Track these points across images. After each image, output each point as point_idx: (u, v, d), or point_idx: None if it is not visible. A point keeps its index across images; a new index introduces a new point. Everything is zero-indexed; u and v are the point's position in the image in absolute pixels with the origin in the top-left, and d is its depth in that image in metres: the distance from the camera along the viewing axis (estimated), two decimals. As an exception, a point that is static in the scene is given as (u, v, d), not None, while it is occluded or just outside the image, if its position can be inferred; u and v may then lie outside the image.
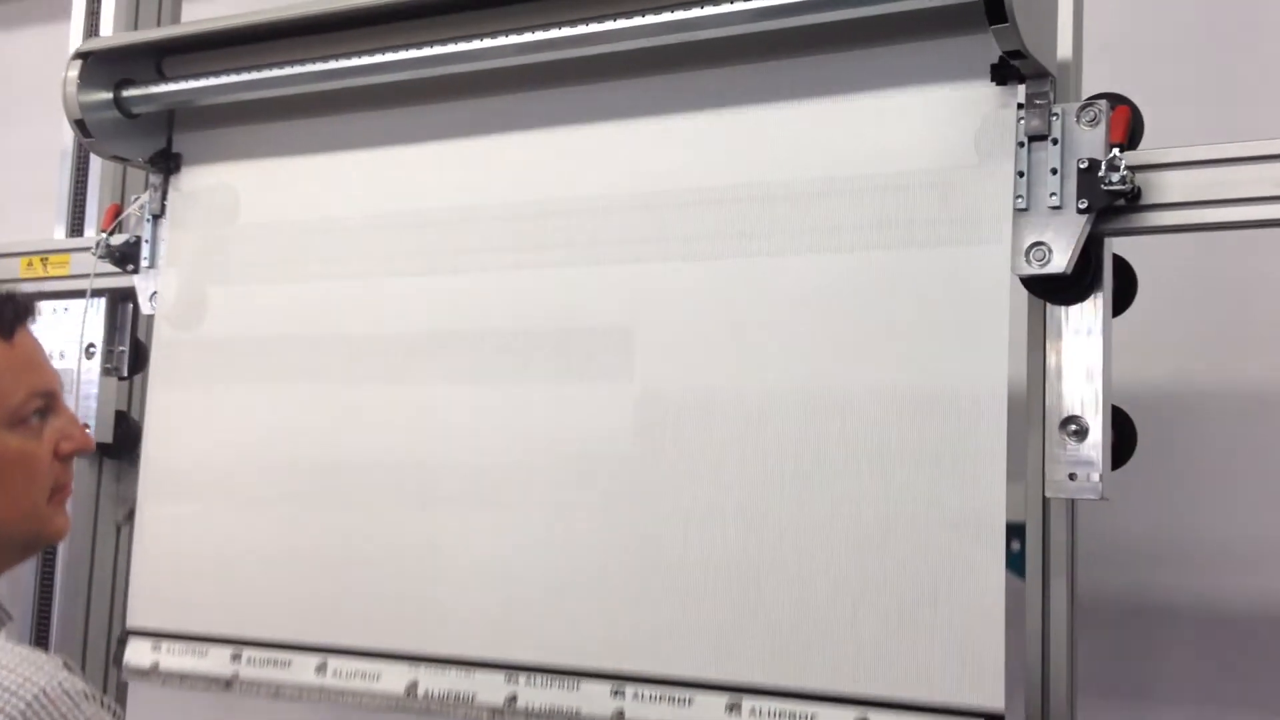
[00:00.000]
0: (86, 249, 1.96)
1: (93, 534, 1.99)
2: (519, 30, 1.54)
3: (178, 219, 1.87)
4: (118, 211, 1.92)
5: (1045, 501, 1.36)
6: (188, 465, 1.82)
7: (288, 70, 1.70)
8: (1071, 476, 1.33)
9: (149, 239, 1.88)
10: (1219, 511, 1.70)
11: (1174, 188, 1.30)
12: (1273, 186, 1.26)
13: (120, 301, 2.00)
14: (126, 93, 1.81)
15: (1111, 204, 1.29)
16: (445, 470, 1.62)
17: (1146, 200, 1.31)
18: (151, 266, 1.88)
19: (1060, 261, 1.31)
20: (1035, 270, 1.32)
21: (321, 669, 1.65)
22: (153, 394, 1.88)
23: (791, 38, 1.45)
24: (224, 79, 1.75)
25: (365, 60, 1.64)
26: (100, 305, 1.99)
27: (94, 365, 1.98)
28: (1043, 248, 1.32)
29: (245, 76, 1.73)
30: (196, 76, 1.78)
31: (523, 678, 1.52)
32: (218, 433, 1.82)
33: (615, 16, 1.47)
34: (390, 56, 1.62)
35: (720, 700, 1.41)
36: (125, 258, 1.89)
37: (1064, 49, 1.35)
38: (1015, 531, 1.34)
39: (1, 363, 1.19)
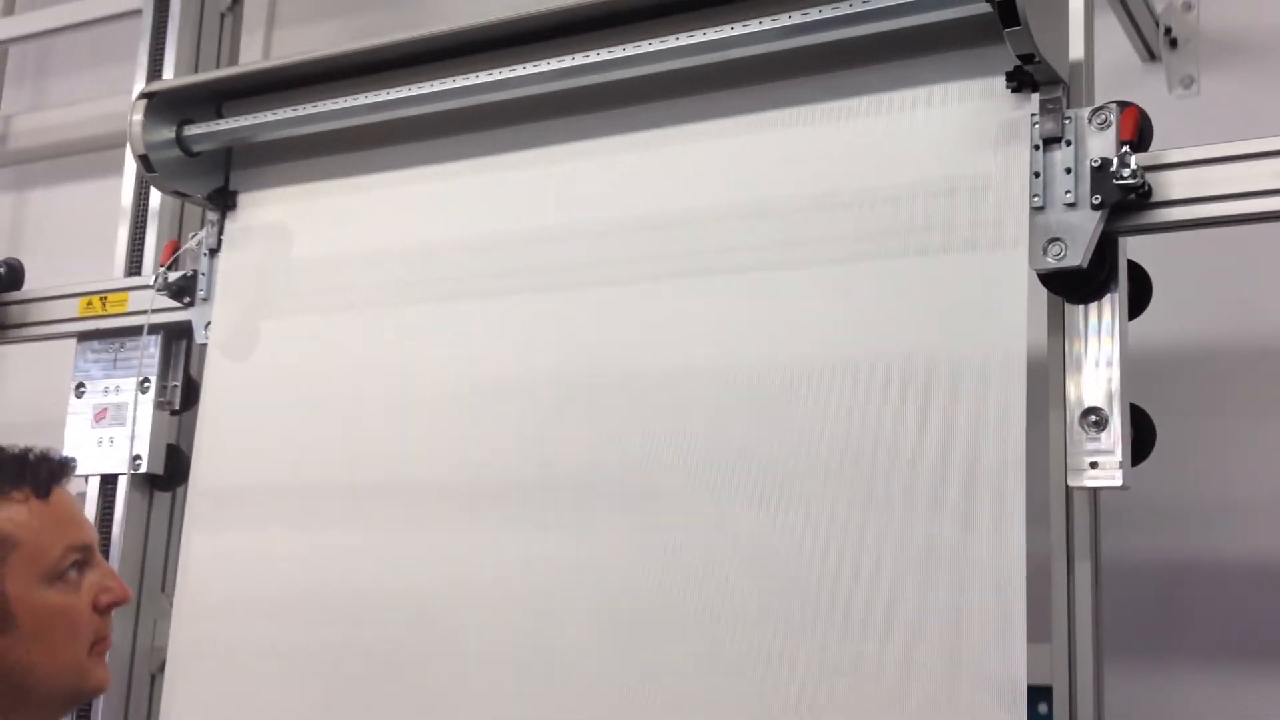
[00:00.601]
0: (144, 287, 2.08)
1: (142, 553, 2.08)
2: (560, 55, 1.66)
3: (233, 254, 1.99)
4: (176, 247, 2.04)
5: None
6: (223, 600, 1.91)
7: (339, 104, 1.83)
8: (1094, 465, 1.40)
9: (205, 272, 2.00)
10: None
11: (1181, 185, 1.39)
12: (1273, 180, 1.35)
13: (174, 339, 2.12)
14: (188, 131, 1.94)
15: (1124, 199, 1.38)
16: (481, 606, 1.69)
17: (1157, 198, 1.40)
18: (207, 299, 2.00)
19: (1076, 255, 1.39)
20: (1053, 264, 1.40)
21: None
22: (202, 424, 1.99)
23: (821, 55, 1.57)
24: (278, 114, 1.88)
25: (410, 92, 1.77)
26: (156, 342, 2.10)
27: (148, 399, 2.09)
28: (1059, 243, 1.40)
29: (298, 111, 1.86)
30: (253, 113, 1.91)
31: None
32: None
33: (652, 39, 1.59)
34: (434, 87, 1.75)
35: None
36: (182, 291, 2.01)
37: (1076, 51, 1.45)
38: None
39: (39, 520, 1.25)
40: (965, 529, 1.39)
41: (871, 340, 1.50)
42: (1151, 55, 1.82)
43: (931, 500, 1.42)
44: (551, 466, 1.66)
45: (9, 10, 2.89)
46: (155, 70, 2.20)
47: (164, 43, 2.23)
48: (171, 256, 2.02)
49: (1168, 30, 1.79)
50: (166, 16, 2.24)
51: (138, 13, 2.29)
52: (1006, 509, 1.37)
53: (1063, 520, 1.43)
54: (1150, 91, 1.75)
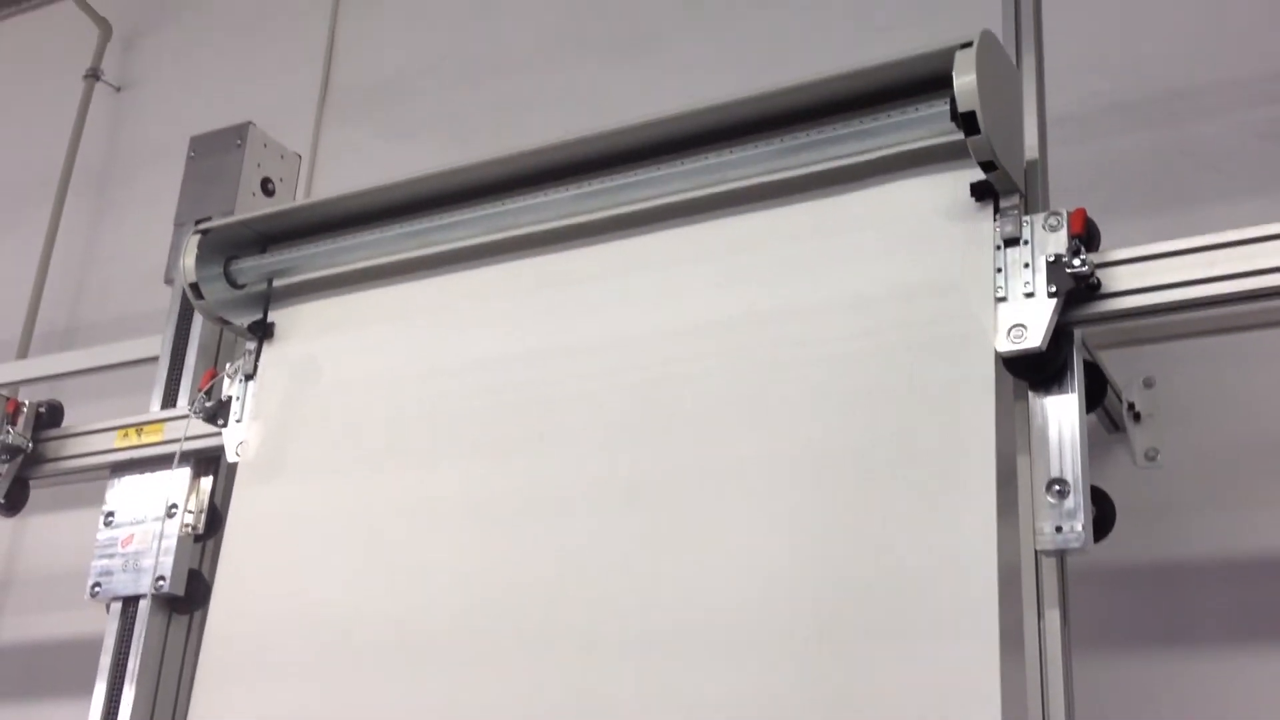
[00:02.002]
0: (178, 417, 2.32)
1: (157, 674, 2.24)
2: (576, 185, 1.95)
3: (268, 380, 2.24)
4: (213, 375, 2.29)
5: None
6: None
7: (374, 235, 2.12)
8: (1058, 529, 1.60)
9: (240, 397, 2.24)
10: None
11: (1127, 278, 1.65)
12: (1206, 268, 1.60)
13: (203, 468, 2.34)
14: (234, 265, 2.23)
15: (1076, 286, 1.63)
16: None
17: (1105, 290, 1.65)
18: (240, 421, 2.23)
19: (1036, 338, 1.63)
20: (1015, 346, 1.64)
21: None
22: (226, 548, 2.18)
23: (812, 180, 1.85)
24: (317, 248, 2.17)
25: (443, 221, 2.06)
26: (185, 471, 2.32)
27: (174, 524, 2.29)
28: (1020, 328, 1.64)
29: (334, 245, 2.16)
30: (293, 249, 2.20)
31: None
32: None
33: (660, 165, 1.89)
34: (464, 215, 2.04)
35: None
36: (216, 415, 2.24)
37: (1030, 152, 1.74)
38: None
39: None
40: (936, 641, 1.56)
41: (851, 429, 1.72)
42: (1116, 427, 2.03)
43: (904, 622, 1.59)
44: (576, 602, 1.81)
45: (24, 352, 3.20)
46: (170, 401, 2.44)
47: (178, 386, 2.45)
48: (209, 383, 2.26)
49: (1130, 405, 2.01)
50: (182, 365, 2.46)
51: (154, 359, 2.51)
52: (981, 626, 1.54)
53: (1033, 584, 1.62)
54: (1115, 462, 2.01)
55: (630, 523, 1.81)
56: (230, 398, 2.25)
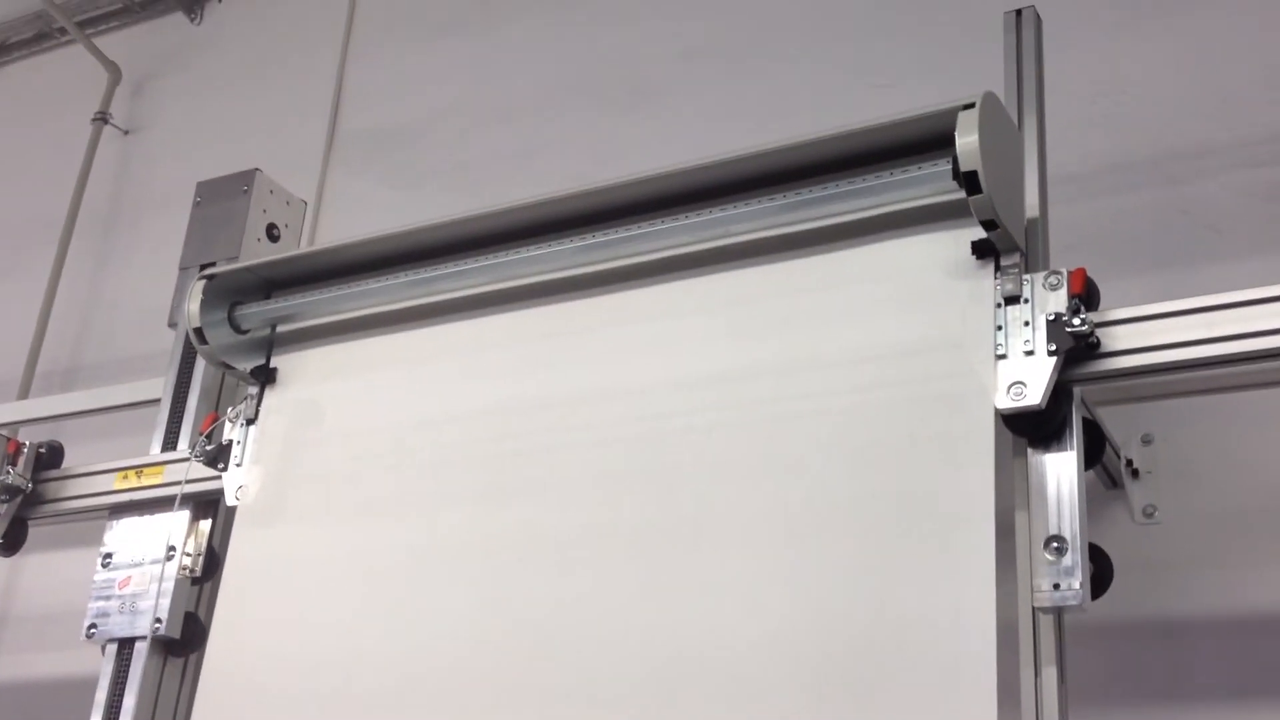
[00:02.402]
0: (179, 460, 2.33)
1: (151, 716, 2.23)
2: (579, 237, 1.97)
3: (269, 425, 2.24)
4: (215, 419, 2.29)
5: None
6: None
7: (376, 284, 2.14)
8: (1055, 586, 1.60)
9: (241, 441, 2.24)
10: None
11: (1126, 337, 1.66)
12: (1205, 329, 1.61)
13: (201, 511, 2.33)
14: (238, 311, 2.24)
15: (1075, 345, 1.64)
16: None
17: (1105, 349, 1.66)
18: (240, 465, 2.23)
19: (1035, 396, 1.64)
20: (1014, 404, 1.64)
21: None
22: (224, 592, 2.18)
23: (819, 235, 1.87)
24: (320, 295, 2.19)
25: (443, 271, 2.07)
26: (184, 514, 2.32)
27: (172, 567, 2.29)
28: (1020, 386, 1.65)
29: (338, 291, 2.17)
30: (296, 295, 2.21)
31: None
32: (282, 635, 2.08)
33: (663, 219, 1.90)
34: (469, 265, 2.05)
35: None
36: (216, 459, 2.24)
37: (1031, 210, 1.76)
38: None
39: None
40: (935, 694, 1.56)
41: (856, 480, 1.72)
42: (1114, 483, 2.04)
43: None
44: (574, 651, 1.81)
45: (25, 392, 3.22)
46: (171, 443, 2.44)
47: (179, 428, 2.45)
48: (210, 426, 2.26)
49: (1129, 462, 2.03)
50: (184, 409, 2.46)
51: (156, 401, 2.51)
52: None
53: (1030, 640, 1.62)
54: (1113, 518, 2.03)
55: (630, 573, 1.81)
56: (231, 442, 2.25)
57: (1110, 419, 1.91)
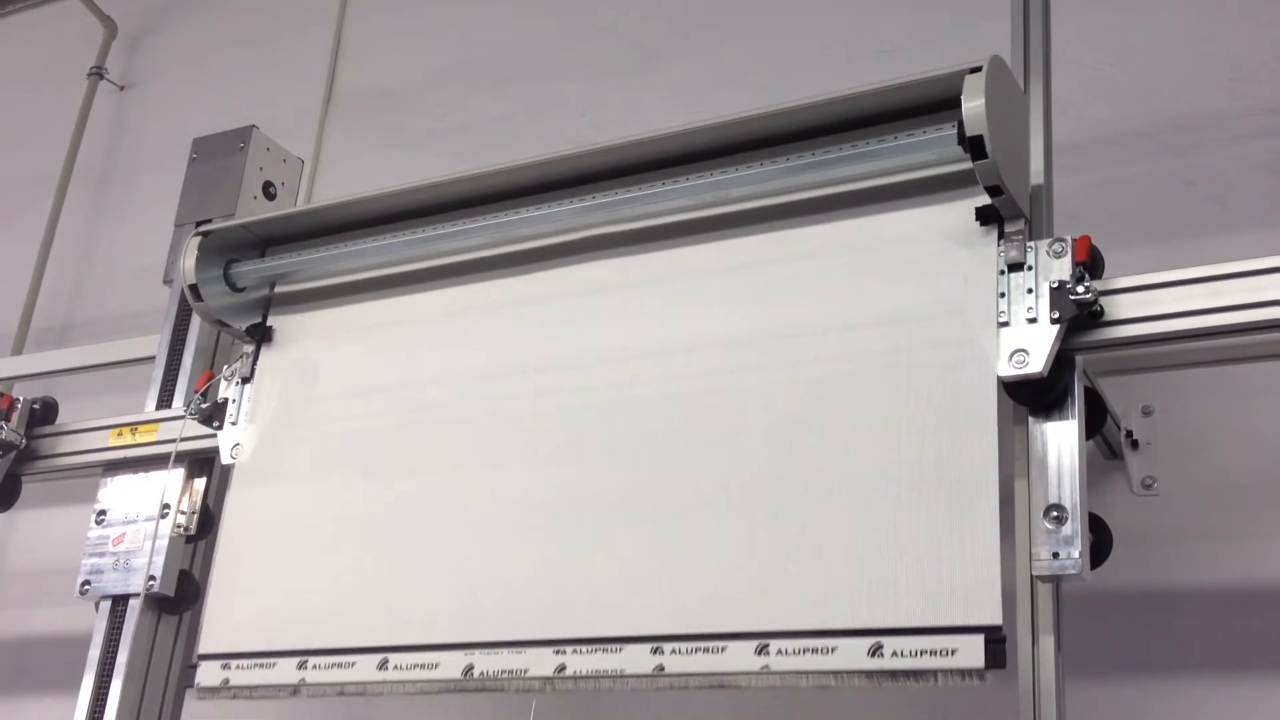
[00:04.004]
0: (174, 418, 2.31)
1: (145, 672, 2.22)
2: (580, 198, 1.94)
3: (265, 383, 2.22)
4: (210, 377, 2.27)
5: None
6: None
7: (372, 243, 2.11)
8: (1054, 555, 1.59)
9: (236, 399, 2.22)
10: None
11: (1130, 306, 1.64)
12: (1210, 299, 1.59)
13: (196, 469, 2.32)
14: (234, 269, 2.21)
15: (1079, 313, 1.62)
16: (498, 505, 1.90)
17: (1108, 318, 1.64)
18: (235, 424, 2.21)
19: (1037, 364, 1.62)
20: (1016, 371, 1.62)
21: (383, 665, 1.86)
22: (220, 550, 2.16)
23: (825, 202, 1.85)
24: (315, 254, 2.16)
25: (441, 230, 2.05)
26: (179, 472, 2.30)
27: (167, 524, 2.27)
28: (1022, 353, 1.63)
29: (332, 250, 2.15)
30: (293, 253, 2.19)
31: (569, 649, 1.74)
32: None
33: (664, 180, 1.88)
34: (465, 225, 2.03)
35: (750, 646, 1.63)
36: (211, 417, 2.22)
37: (1036, 177, 1.74)
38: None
39: None
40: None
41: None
42: (1114, 454, 2.03)
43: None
44: (569, 603, 1.80)
45: (19, 348, 3.19)
46: (166, 401, 2.42)
47: (174, 386, 2.44)
48: (206, 384, 2.24)
49: (1129, 433, 2.02)
50: (179, 366, 2.44)
51: (151, 358, 2.49)
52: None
53: (1028, 609, 1.61)
54: (1112, 489, 2.02)
55: (625, 535, 1.80)
56: (226, 400, 2.23)
57: (1111, 390, 1.90)
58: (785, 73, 2.61)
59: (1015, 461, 1.66)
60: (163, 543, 2.25)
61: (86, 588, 2.28)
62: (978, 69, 1.63)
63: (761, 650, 1.64)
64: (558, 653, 1.76)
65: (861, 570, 1.63)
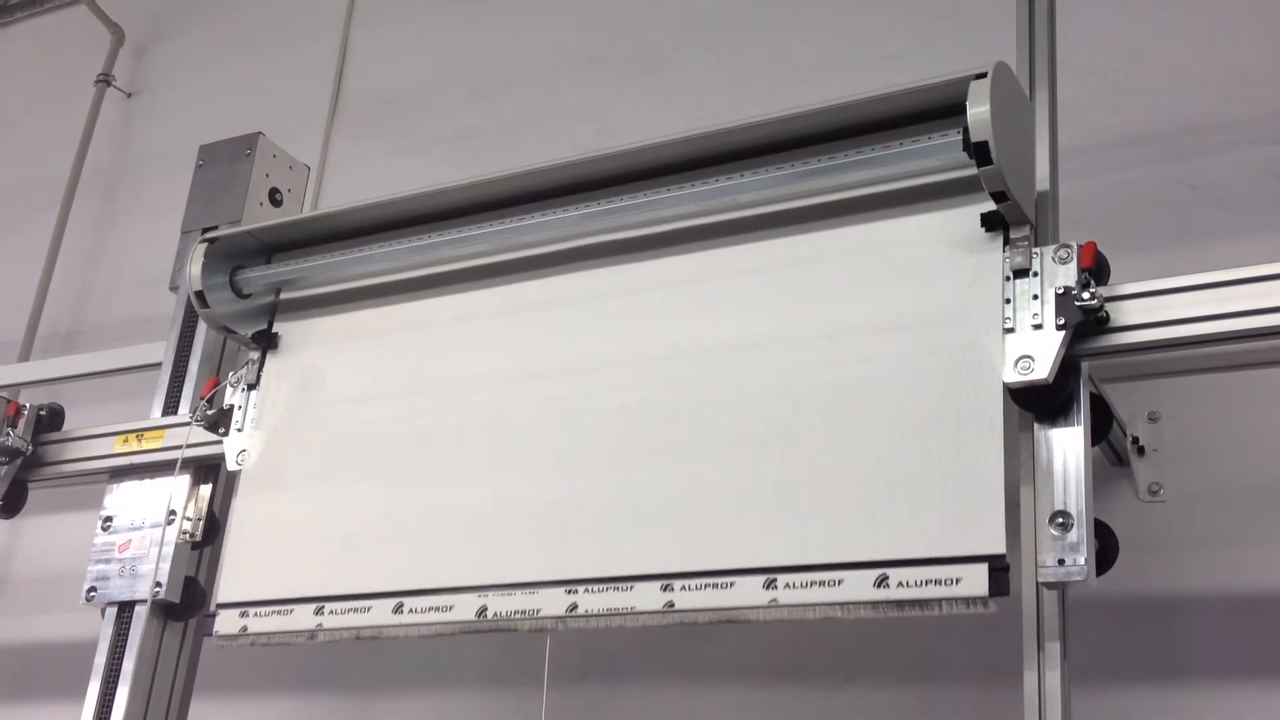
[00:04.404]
0: (179, 424, 2.31)
1: (151, 679, 2.21)
2: (586, 204, 1.94)
3: (270, 391, 2.22)
4: (216, 384, 2.27)
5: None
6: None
7: (377, 249, 2.12)
8: (1060, 562, 1.58)
9: (242, 406, 2.22)
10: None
11: (1136, 312, 1.63)
12: (1215, 305, 1.59)
13: (202, 475, 2.32)
14: (240, 275, 2.21)
15: (1084, 319, 1.61)
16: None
17: (1114, 324, 1.64)
18: (241, 430, 2.21)
19: (1043, 370, 1.61)
20: (1021, 378, 1.62)
21: (399, 609, 1.89)
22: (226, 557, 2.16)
23: (829, 209, 1.84)
24: (321, 260, 2.17)
25: (447, 236, 2.05)
26: (185, 479, 2.30)
27: (173, 531, 2.27)
28: (1028, 360, 1.63)
29: (338, 257, 2.15)
30: (298, 260, 2.20)
31: (581, 588, 1.77)
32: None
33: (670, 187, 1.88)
34: (470, 231, 2.03)
35: (758, 580, 1.66)
36: (217, 424, 2.22)
37: (1041, 183, 1.73)
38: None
39: None
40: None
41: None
42: (1120, 460, 2.04)
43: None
44: (580, 544, 1.82)
45: (26, 355, 3.19)
46: (172, 408, 2.42)
47: (180, 392, 2.43)
48: (212, 391, 2.24)
49: (1135, 439, 2.02)
50: (185, 373, 2.44)
51: (157, 365, 2.49)
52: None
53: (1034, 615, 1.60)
54: (1118, 495, 2.02)
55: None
56: (232, 406, 2.23)
57: (1117, 396, 1.89)
58: (791, 79, 2.60)
59: (1021, 468, 1.65)
60: (169, 549, 2.25)
61: (92, 594, 2.28)
62: (983, 75, 1.62)
63: (769, 585, 1.66)
64: (570, 592, 1.78)
65: (867, 504, 1.65)
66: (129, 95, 3.61)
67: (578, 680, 2.27)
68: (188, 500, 2.30)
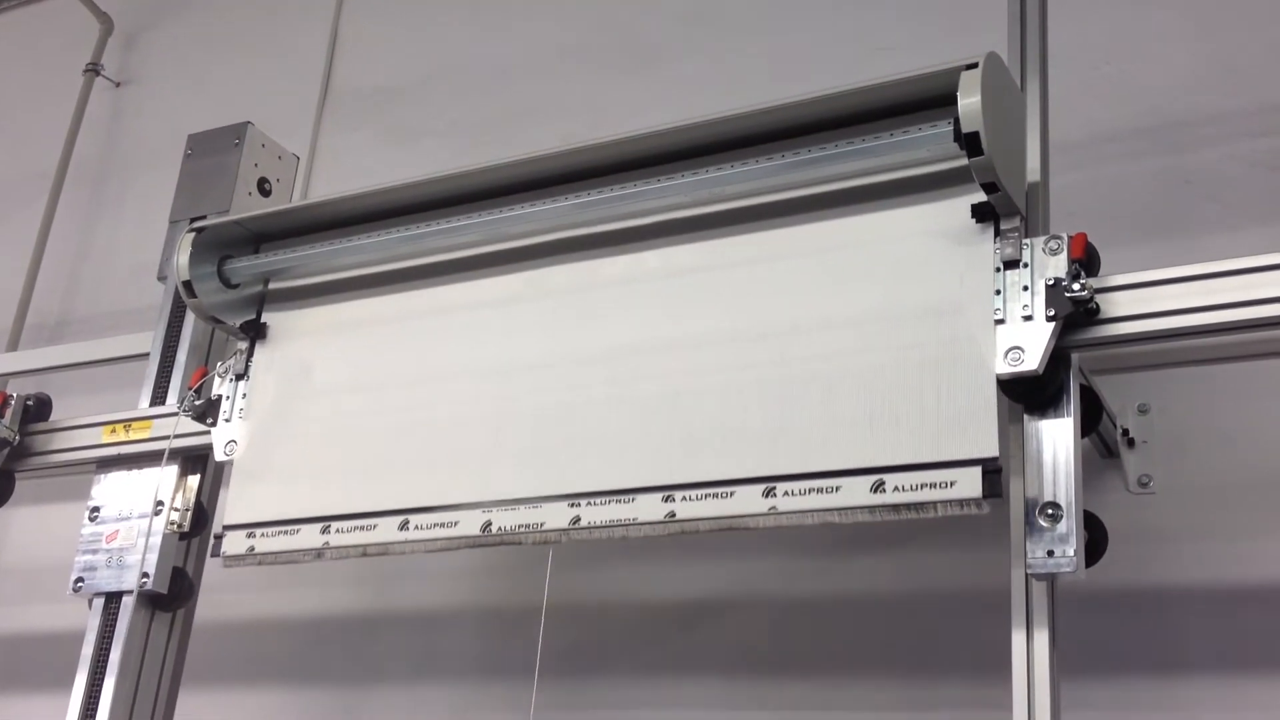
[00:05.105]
0: (167, 415, 2.30)
1: (138, 670, 2.21)
2: (574, 195, 1.94)
3: (259, 381, 2.21)
4: (204, 374, 2.26)
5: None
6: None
7: (365, 239, 2.11)
8: (1049, 553, 1.58)
9: (230, 396, 2.21)
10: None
11: (1125, 303, 1.63)
12: (1204, 297, 1.59)
13: (190, 468, 2.31)
14: (228, 265, 2.20)
15: (1074, 311, 1.61)
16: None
17: (1104, 316, 1.64)
18: (229, 421, 2.20)
19: (1033, 361, 1.61)
20: (1012, 369, 1.62)
21: (404, 525, 1.92)
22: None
23: (821, 200, 1.84)
24: (309, 250, 2.16)
25: (436, 226, 2.04)
26: (173, 470, 2.29)
27: (160, 522, 2.26)
28: (1018, 351, 1.62)
29: (326, 247, 2.15)
30: (287, 250, 2.19)
31: (584, 501, 1.80)
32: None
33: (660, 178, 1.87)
34: (457, 223, 2.02)
35: (758, 489, 1.68)
36: (205, 414, 2.21)
37: (1032, 175, 1.73)
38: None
39: None
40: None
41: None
42: (1110, 452, 2.04)
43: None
44: (582, 458, 1.84)
45: (14, 344, 3.18)
46: (159, 398, 2.41)
47: (168, 383, 2.42)
48: (200, 381, 2.23)
49: (1125, 431, 2.02)
50: (173, 363, 2.43)
51: (145, 355, 2.48)
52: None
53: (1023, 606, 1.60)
54: (1108, 488, 2.02)
55: (639, 389, 1.83)
56: (220, 397, 2.22)
57: (1107, 388, 1.89)
58: (782, 71, 2.60)
59: (1011, 459, 1.65)
60: (156, 540, 2.25)
61: (80, 585, 2.27)
62: (974, 65, 1.62)
63: (769, 493, 1.69)
64: (572, 505, 1.81)
65: (865, 412, 1.68)
66: (118, 85, 3.60)
67: (567, 671, 2.27)
68: (175, 491, 2.29)
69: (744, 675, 2.22)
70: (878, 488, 1.63)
